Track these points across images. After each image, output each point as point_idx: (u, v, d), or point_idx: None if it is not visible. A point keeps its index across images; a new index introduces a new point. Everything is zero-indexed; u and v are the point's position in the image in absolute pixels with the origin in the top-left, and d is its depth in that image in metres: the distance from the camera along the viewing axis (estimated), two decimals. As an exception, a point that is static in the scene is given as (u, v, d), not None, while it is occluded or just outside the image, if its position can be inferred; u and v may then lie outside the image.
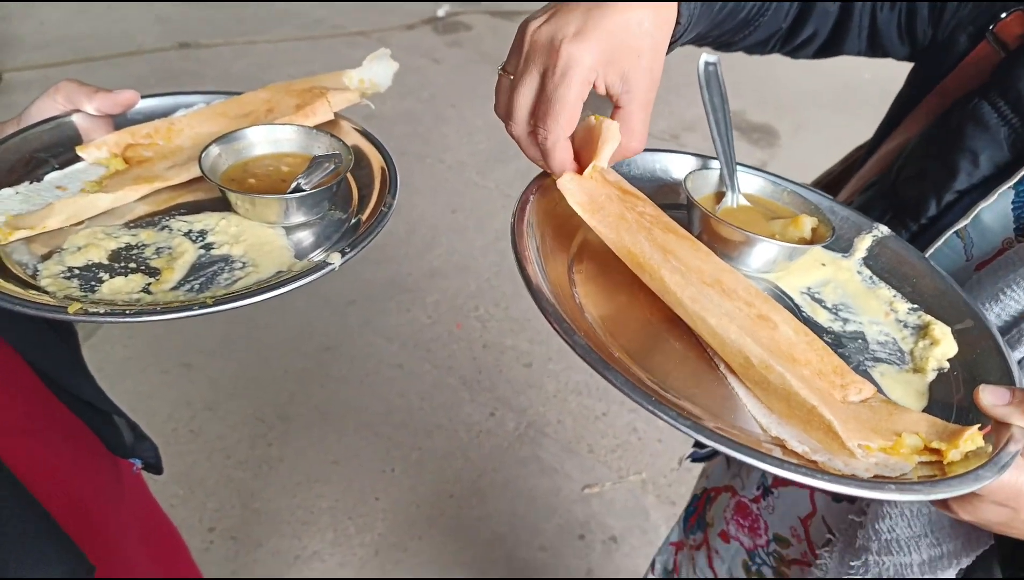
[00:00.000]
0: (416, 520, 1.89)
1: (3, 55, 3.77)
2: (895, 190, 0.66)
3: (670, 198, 0.64)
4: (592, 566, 1.84)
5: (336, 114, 0.71)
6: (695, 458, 0.91)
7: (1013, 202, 0.58)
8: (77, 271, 0.53)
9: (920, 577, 0.59)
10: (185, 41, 4.28)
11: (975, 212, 0.59)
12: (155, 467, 0.77)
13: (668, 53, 0.60)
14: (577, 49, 0.49)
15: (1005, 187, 0.57)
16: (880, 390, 0.51)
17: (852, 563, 0.63)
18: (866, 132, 0.82)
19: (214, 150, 0.61)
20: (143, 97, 0.69)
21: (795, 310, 0.57)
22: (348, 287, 2.56)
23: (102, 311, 0.47)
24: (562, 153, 0.53)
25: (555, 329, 0.47)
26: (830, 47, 0.73)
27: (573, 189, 0.54)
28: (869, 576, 0.61)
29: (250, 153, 0.64)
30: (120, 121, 0.68)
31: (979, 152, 0.59)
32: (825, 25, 0.70)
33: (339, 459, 2.02)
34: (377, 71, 0.74)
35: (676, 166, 0.67)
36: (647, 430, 2.18)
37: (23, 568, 0.42)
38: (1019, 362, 0.53)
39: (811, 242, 0.59)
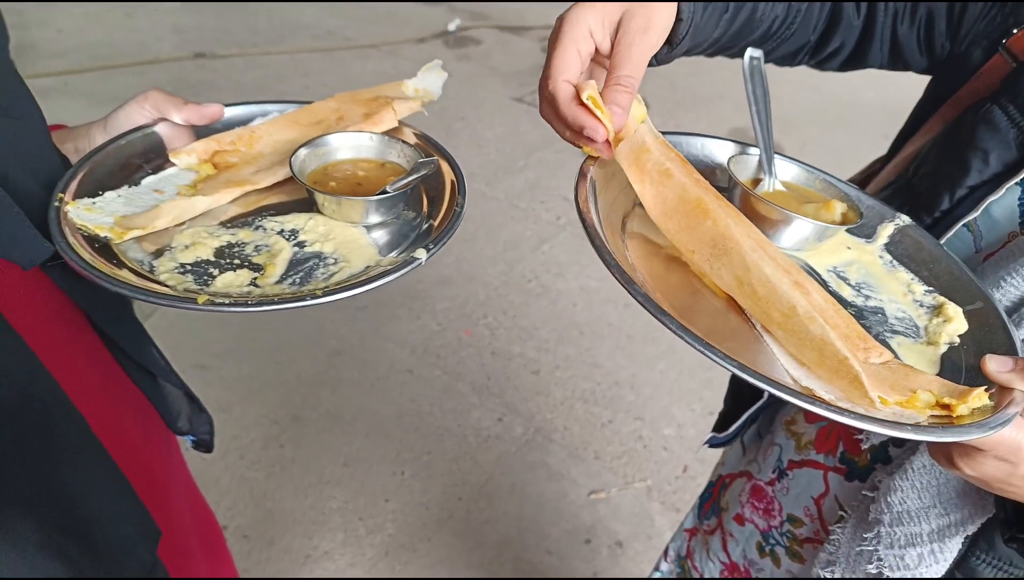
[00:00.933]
0: (426, 522, 1.92)
1: (21, 62, 3.82)
2: (911, 187, 0.72)
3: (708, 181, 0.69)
4: (598, 570, 1.87)
5: (400, 122, 0.77)
6: (713, 443, 0.95)
7: (1020, 198, 0.63)
8: (189, 267, 0.58)
9: (929, 546, 0.63)
10: (200, 51, 4.35)
11: (984, 205, 0.64)
12: (207, 445, 0.80)
13: (673, 56, 0.66)
14: (574, 6, 0.58)
15: (1012, 182, 0.62)
16: (897, 357, 0.56)
17: (865, 535, 0.67)
18: (869, 148, 0.87)
19: (302, 153, 0.66)
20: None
21: (823, 284, 0.61)
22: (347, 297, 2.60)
23: (228, 302, 0.52)
24: (563, 94, 0.56)
25: (617, 278, 0.51)
26: (855, 60, 0.78)
27: (633, 145, 0.58)
28: (881, 547, 0.65)
29: (331, 158, 0.69)
30: (200, 130, 0.73)
31: (990, 151, 0.64)
32: (851, 38, 0.75)
33: (350, 461, 2.06)
34: (430, 80, 0.80)
35: (717, 151, 0.73)
36: (652, 437, 2.22)
37: (102, 523, 0.45)
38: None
39: (841, 225, 0.64)
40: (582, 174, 0.60)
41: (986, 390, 0.48)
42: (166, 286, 0.55)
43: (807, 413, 0.81)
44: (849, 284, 0.63)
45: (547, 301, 2.71)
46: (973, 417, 0.47)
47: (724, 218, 0.55)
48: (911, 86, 0.80)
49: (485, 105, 4.14)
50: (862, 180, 0.85)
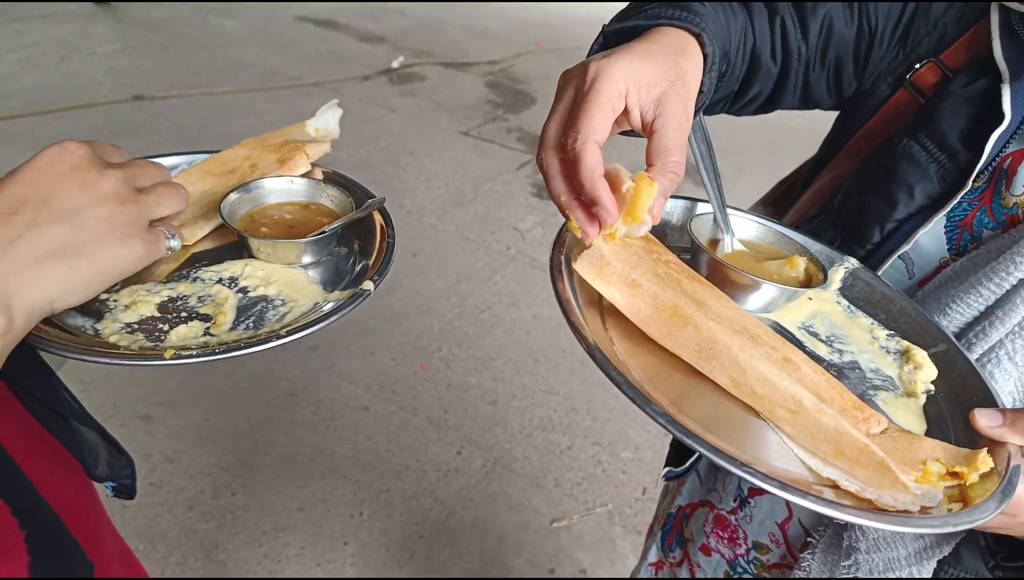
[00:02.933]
0: (387, 563, 1.88)
1: (-52, 109, 3.70)
2: (840, 219, 0.74)
3: (667, 243, 0.66)
4: (563, 600, 1.85)
5: (313, 164, 0.77)
6: (669, 476, 0.96)
7: (945, 226, 0.66)
8: (136, 326, 0.56)
9: (907, 570, 0.64)
10: (139, 93, 4.28)
11: (915, 237, 0.66)
12: (128, 491, 0.77)
13: (701, 109, 0.63)
14: (607, 61, 0.51)
15: (940, 215, 0.65)
16: (889, 419, 0.55)
17: (843, 563, 0.67)
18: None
19: (232, 198, 0.66)
20: None
21: (799, 346, 0.60)
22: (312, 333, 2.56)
23: (195, 353, 0.51)
24: (592, 158, 0.49)
25: (607, 374, 0.48)
26: (769, 104, 0.81)
27: (592, 259, 0.55)
28: (860, 575, 0.66)
29: (260, 202, 0.69)
30: None
31: (914, 185, 0.66)
32: (768, 85, 0.77)
33: (305, 506, 2.00)
34: (327, 119, 0.83)
35: (678, 209, 0.73)
36: (611, 462, 2.23)
37: (37, 554, 0.43)
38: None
39: (807, 282, 0.65)
40: (556, 265, 0.57)
41: (987, 449, 0.49)
42: (116, 347, 0.53)
43: None
44: (821, 340, 0.62)
45: (501, 331, 2.72)
46: (984, 483, 0.48)
47: (705, 322, 0.53)
48: (834, 114, 0.85)
49: (433, 140, 4.18)
50: (775, 199, 0.89)
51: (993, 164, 0.64)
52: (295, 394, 2.33)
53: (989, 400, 0.55)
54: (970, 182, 0.63)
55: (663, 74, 0.53)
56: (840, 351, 0.62)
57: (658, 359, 0.54)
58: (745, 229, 0.71)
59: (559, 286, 0.55)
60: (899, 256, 0.69)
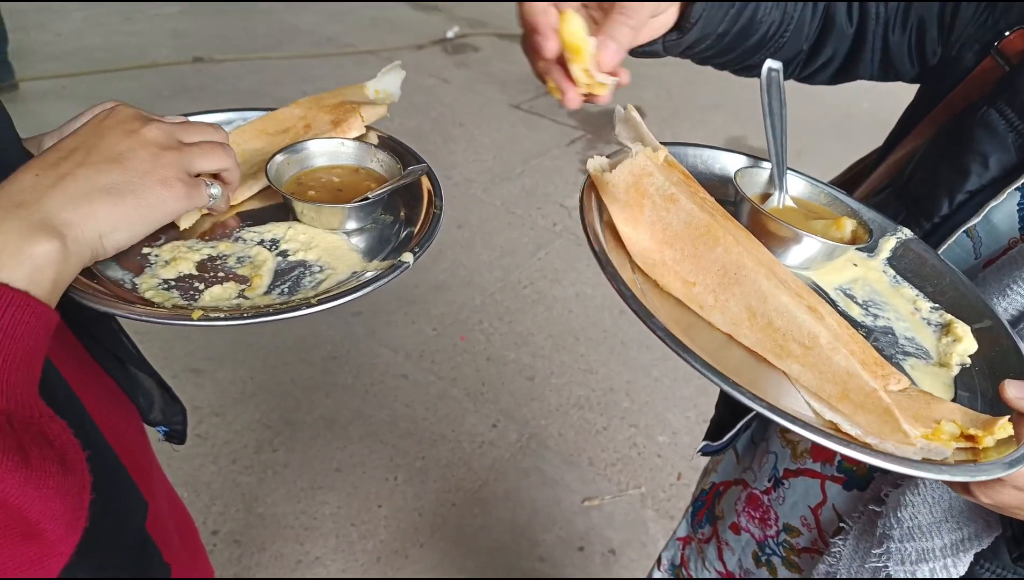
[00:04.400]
0: (418, 528, 1.91)
1: (21, 65, 3.85)
2: (908, 191, 0.70)
3: (714, 194, 0.66)
4: (591, 578, 1.86)
5: (367, 127, 0.76)
6: (707, 451, 0.94)
7: (1019, 204, 0.62)
8: (173, 282, 0.57)
9: (941, 561, 0.62)
10: (199, 55, 4.36)
11: (985, 210, 0.63)
12: (180, 436, 0.79)
13: (682, 44, 0.63)
14: None
15: (1012, 187, 0.62)
16: (912, 382, 0.54)
17: (875, 551, 0.66)
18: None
19: (278, 160, 0.65)
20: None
21: (832, 304, 0.60)
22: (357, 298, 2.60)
23: (222, 316, 0.51)
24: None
25: (632, 308, 0.48)
26: (845, 71, 0.77)
27: (635, 168, 0.55)
28: (891, 563, 0.64)
29: (307, 164, 0.69)
30: None
31: (989, 155, 0.63)
32: (843, 47, 0.74)
33: (343, 466, 2.05)
34: (389, 81, 0.80)
35: (725, 163, 0.71)
36: (647, 445, 2.21)
37: (99, 491, 0.45)
38: None
39: (851, 242, 0.63)
40: (585, 199, 0.57)
41: (1009, 418, 0.47)
42: (151, 304, 0.54)
43: None
44: (857, 302, 0.61)
45: (543, 307, 2.71)
46: (999, 449, 0.46)
47: (736, 246, 0.53)
48: (906, 98, 0.80)
49: (483, 112, 4.15)
50: (846, 180, 0.85)
51: None
52: (337, 357, 2.38)
53: None
54: None
55: None
56: (875, 316, 0.60)
57: (676, 309, 0.54)
58: (797, 188, 0.69)
59: (589, 226, 0.55)
60: (966, 232, 0.65)
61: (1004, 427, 0.46)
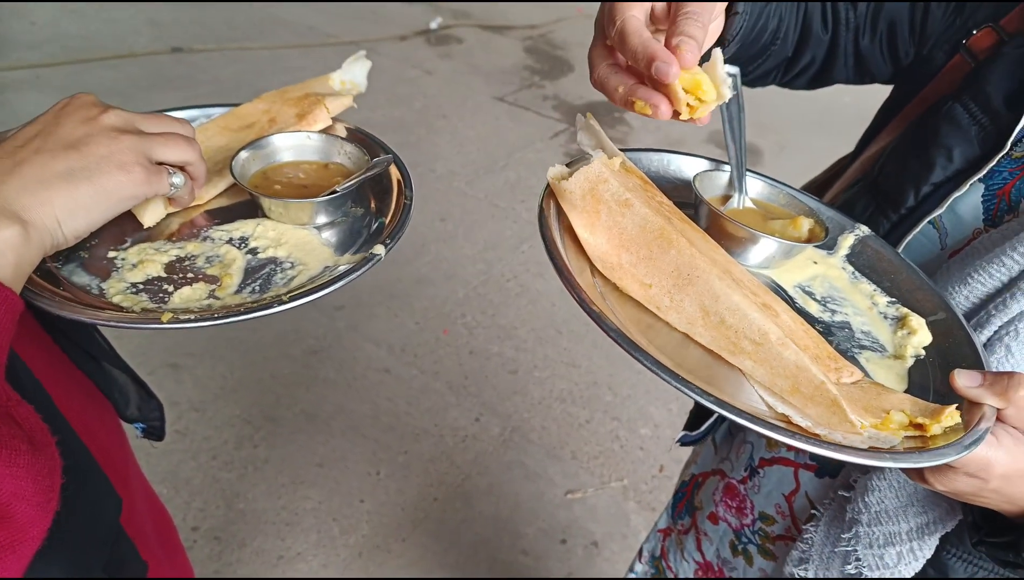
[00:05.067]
0: (401, 522, 1.91)
1: (-7, 53, 3.76)
2: (877, 185, 0.72)
3: (675, 197, 0.67)
4: (573, 570, 1.86)
5: (333, 119, 0.75)
6: (685, 441, 0.95)
7: (983, 195, 0.64)
8: (141, 286, 0.56)
9: (907, 544, 0.63)
10: (178, 45, 4.29)
11: (949, 201, 0.65)
12: (157, 432, 0.78)
13: (727, 52, 0.62)
14: None
15: (975, 178, 0.63)
16: (867, 374, 0.56)
17: (843, 535, 0.67)
18: (846, 150, 0.87)
19: (242, 156, 0.64)
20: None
21: (790, 301, 0.62)
22: (337, 291, 2.58)
23: (192, 318, 0.51)
24: (635, 24, 0.50)
25: (586, 312, 0.50)
26: (822, 76, 0.78)
27: (590, 174, 0.55)
28: (860, 546, 0.66)
29: (272, 160, 0.67)
30: None
31: (953, 148, 0.65)
32: (820, 53, 0.75)
33: (324, 461, 2.04)
34: (355, 72, 0.79)
35: (684, 167, 0.73)
36: (629, 438, 2.22)
37: (70, 482, 0.45)
38: (987, 341, 0.59)
39: (807, 241, 0.65)
40: (543, 212, 0.58)
41: (956, 407, 0.49)
42: (119, 309, 0.53)
43: None
44: (815, 299, 0.63)
45: (526, 300, 2.71)
46: (946, 436, 0.47)
47: (688, 248, 0.54)
48: (886, 92, 0.81)
49: (467, 104, 4.13)
50: (827, 178, 0.86)
51: None
52: (319, 352, 2.36)
53: (977, 365, 0.55)
54: (1008, 145, 0.61)
55: None
56: (833, 311, 0.63)
57: (636, 311, 0.56)
58: (756, 189, 0.71)
59: (548, 233, 0.56)
60: (931, 222, 0.67)
61: (951, 415, 0.48)
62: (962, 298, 0.61)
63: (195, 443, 2.03)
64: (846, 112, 4.30)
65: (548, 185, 0.60)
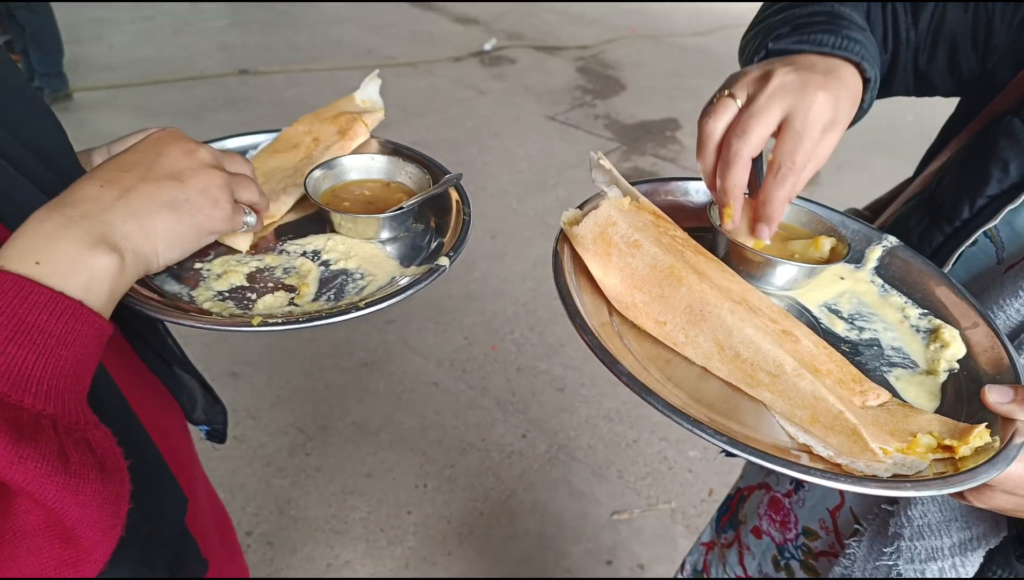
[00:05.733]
0: (447, 536, 1.93)
1: (74, 76, 4.01)
2: (933, 198, 0.72)
3: (697, 222, 0.69)
4: (618, 592, 1.84)
5: (371, 135, 0.80)
6: (729, 453, 0.95)
7: None
8: (227, 294, 0.60)
9: (950, 560, 0.62)
10: (245, 67, 4.49)
11: (1003, 214, 0.64)
12: (220, 435, 0.82)
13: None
14: (825, 96, 0.57)
15: None
16: (896, 394, 0.55)
17: (885, 549, 0.66)
18: (907, 171, 0.86)
19: (316, 174, 0.69)
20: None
21: (814, 323, 0.62)
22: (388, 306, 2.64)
23: (280, 321, 0.54)
24: (742, 171, 0.59)
25: (598, 357, 0.51)
26: (882, 90, 0.78)
27: (599, 218, 0.58)
28: (901, 561, 0.65)
29: (341, 179, 0.72)
30: None
31: (1009, 161, 0.64)
32: (881, 69, 0.75)
33: (373, 472, 2.07)
34: (370, 90, 0.85)
35: (702, 192, 0.73)
36: (677, 459, 2.19)
37: (140, 484, 0.47)
38: None
39: (829, 260, 0.64)
40: (556, 255, 0.60)
41: (987, 425, 0.47)
42: (209, 313, 0.57)
43: None
44: (842, 317, 0.62)
45: (574, 319, 2.71)
46: (977, 457, 0.46)
47: (699, 283, 0.55)
48: (949, 111, 0.80)
49: (519, 123, 4.19)
50: (890, 198, 0.85)
51: None
52: (370, 364, 2.41)
53: (1012, 379, 0.53)
54: None
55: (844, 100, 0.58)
56: (861, 329, 0.62)
57: (655, 347, 0.56)
58: None
59: (561, 278, 0.58)
60: (988, 236, 0.66)
61: (980, 435, 0.47)
62: (1012, 310, 0.60)
63: (251, 449, 2.09)
64: (907, 132, 4.18)
65: (561, 230, 0.61)
